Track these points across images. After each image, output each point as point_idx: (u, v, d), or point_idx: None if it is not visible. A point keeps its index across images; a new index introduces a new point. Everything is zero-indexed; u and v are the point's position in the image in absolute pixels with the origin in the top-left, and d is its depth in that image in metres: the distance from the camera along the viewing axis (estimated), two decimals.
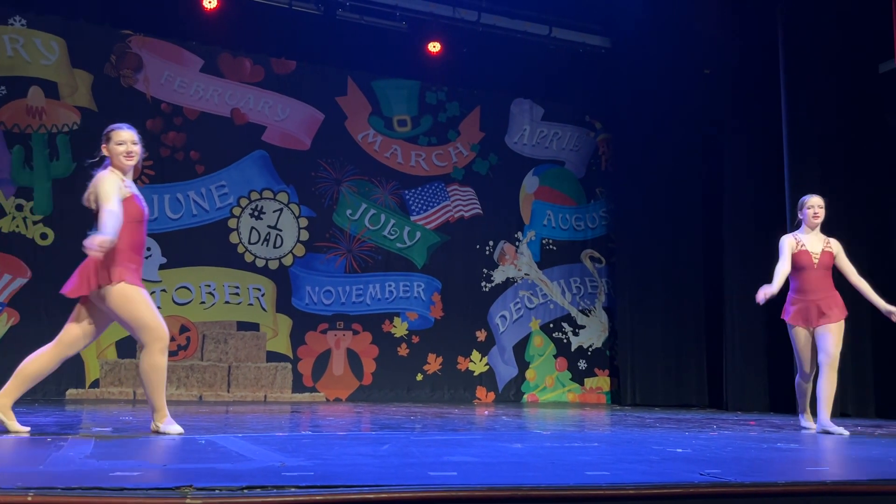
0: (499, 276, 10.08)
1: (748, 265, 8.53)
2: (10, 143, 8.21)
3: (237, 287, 8.92)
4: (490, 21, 9.76)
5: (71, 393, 8.10)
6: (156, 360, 4.13)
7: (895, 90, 8.05)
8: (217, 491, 2.24)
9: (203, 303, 8.77)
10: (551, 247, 10.38)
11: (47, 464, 2.86)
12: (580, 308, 10.41)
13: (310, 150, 9.41)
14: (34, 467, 2.76)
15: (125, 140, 4.22)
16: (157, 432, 4.15)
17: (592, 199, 10.64)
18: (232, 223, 9.01)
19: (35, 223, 8.23)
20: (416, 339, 9.56)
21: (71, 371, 7.95)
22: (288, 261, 9.17)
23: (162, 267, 8.59)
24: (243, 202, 9.02)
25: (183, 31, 8.98)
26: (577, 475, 2.83)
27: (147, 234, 4.39)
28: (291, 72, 9.41)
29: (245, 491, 2.26)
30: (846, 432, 5.26)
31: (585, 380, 10.28)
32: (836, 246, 5.73)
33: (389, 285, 9.58)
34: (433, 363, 9.59)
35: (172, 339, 7.62)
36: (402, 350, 9.49)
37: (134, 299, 4.07)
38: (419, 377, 9.52)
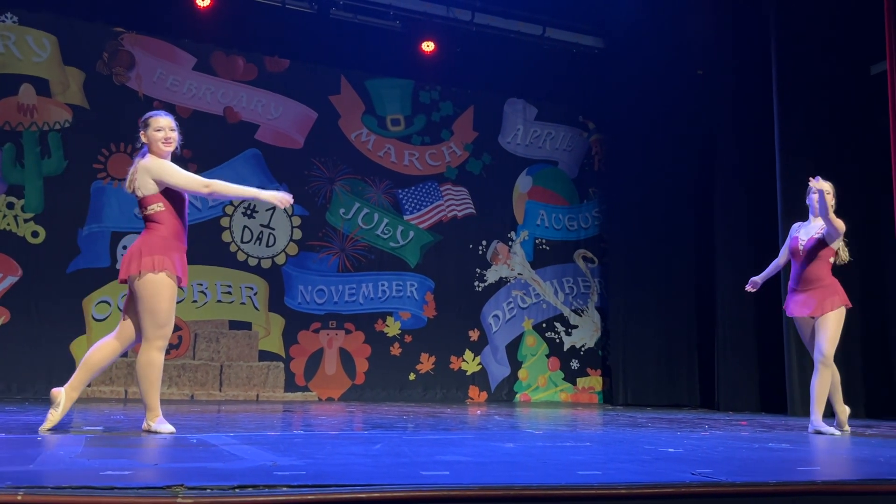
0: (492, 276, 10.08)
1: (740, 265, 8.54)
2: (1, 141, 8.17)
3: (229, 286, 8.90)
4: (484, 21, 9.78)
5: None
6: (153, 356, 4.13)
7: (886, 91, 8.07)
8: (208, 490, 2.23)
9: (195, 301, 8.74)
10: (544, 247, 10.39)
11: (38, 463, 2.85)
12: (573, 308, 10.42)
13: (303, 149, 9.39)
14: (24, 466, 2.75)
15: (163, 126, 4.25)
16: (149, 431, 4.14)
17: (585, 199, 10.65)
18: (224, 222, 8.99)
19: (26, 221, 8.19)
20: (408, 339, 9.55)
21: (62, 370, 7.91)
22: (280, 260, 9.16)
23: None
24: (236, 201, 9.00)
25: (176, 28, 8.95)
26: (569, 475, 2.83)
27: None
28: (284, 70, 9.40)
29: (236, 490, 2.26)
30: (838, 432, 5.25)
31: (578, 379, 10.29)
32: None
33: (382, 285, 9.57)
34: (426, 363, 9.59)
35: None
36: (395, 349, 9.49)
37: (162, 294, 4.11)
38: (412, 377, 9.52)
